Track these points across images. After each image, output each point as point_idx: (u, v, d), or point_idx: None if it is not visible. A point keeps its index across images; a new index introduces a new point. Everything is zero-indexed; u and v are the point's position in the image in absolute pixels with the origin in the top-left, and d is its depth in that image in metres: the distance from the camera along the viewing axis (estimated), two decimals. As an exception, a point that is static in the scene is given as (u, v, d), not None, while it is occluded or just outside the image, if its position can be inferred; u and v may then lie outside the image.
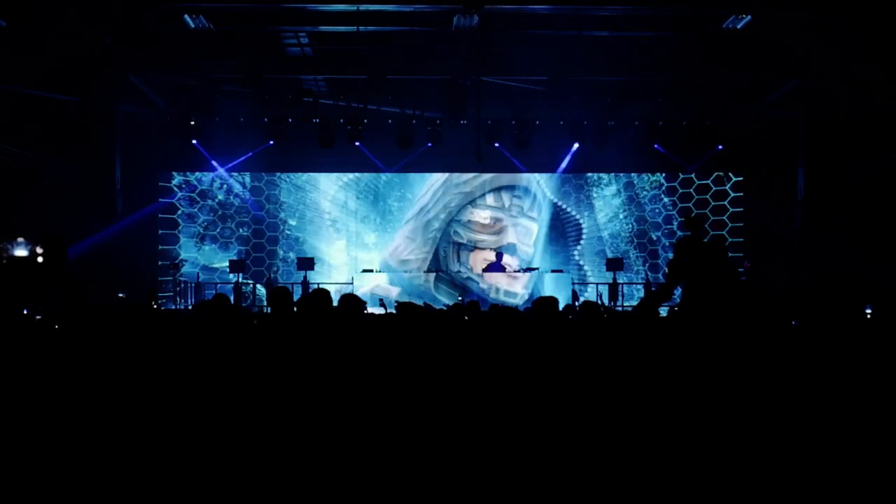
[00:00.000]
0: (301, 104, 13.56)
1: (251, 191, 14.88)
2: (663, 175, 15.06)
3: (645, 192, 15.17)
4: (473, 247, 15.03)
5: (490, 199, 15.13)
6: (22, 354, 3.38)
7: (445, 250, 15.01)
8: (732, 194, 14.95)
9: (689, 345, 3.31)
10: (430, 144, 13.86)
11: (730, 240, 14.78)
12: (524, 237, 15.12)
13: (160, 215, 14.56)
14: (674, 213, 15.08)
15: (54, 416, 2.76)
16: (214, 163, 14.38)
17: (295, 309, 3.87)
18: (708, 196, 14.99)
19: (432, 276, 13.32)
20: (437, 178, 15.11)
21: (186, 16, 10.67)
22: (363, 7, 10.42)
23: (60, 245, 6.44)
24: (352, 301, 4.00)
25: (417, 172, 14.96)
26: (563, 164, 14.68)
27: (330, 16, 10.89)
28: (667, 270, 5.09)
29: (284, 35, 11.64)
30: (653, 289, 13.90)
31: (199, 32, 11.15)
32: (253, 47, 11.92)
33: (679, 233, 15.03)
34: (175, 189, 14.62)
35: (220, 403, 2.88)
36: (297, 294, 13.71)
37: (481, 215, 15.06)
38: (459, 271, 14.60)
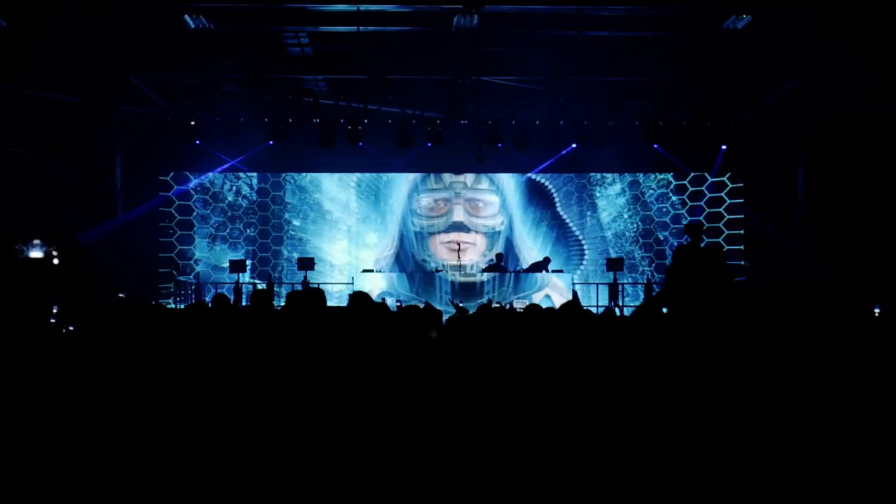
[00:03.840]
0: (301, 104, 13.56)
1: (257, 192, 14.95)
2: (671, 174, 15.05)
3: (651, 192, 15.15)
4: (428, 233, 15.07)
5: (431, 181, 15.14)
6: (38, 354, 3.39)
7: (411, 242, 15.09)
8: (730, 196, 14.94)
9: (684, 347, 3.31)
10: (430, 144, 13.86)
11: (730, 244, 14.77)
12: (481, 211, 15.10)
13: (178, 217, 14.65)
14: (682, 212, 15.08)
15: (67, 416, 2.77)
16: (223, 158, 14.40)
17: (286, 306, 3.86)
18: (723, 194, 14.94)
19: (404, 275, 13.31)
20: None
21: (187, 16, 10.67)
22: (363, 7, 10.43)
23: (76, 246, 6.45)
24: (362, 299, 3.94)
25: (417, 172, 14.96)
26: (556, 164, 14.69)
27: (330, 16, 10.90)
28: (666, 276, 5.08)
29: (284, 35, 11.65)
30: (654, 288, 13.90)
31: (200, 32, 11.16)
32: (253, 47, 11.93)
33: (672, 212, 15.03)
34: (192, 192, 14.72)
35: (223, 403, 2.89)
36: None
37: (423, 200, 15.08)
38: (425, 260, 14.72)
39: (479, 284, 12.91)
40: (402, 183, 15.13)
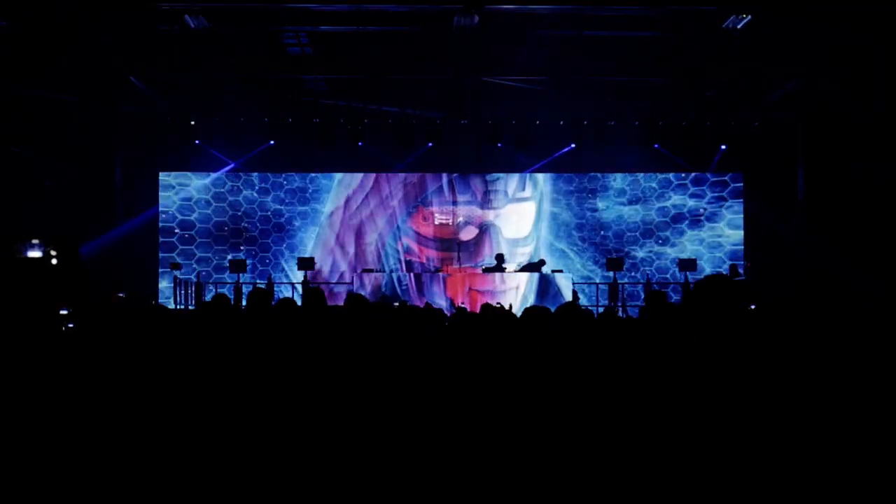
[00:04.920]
0: (301, 104, 13.56)
1: (258, 192, 14.94)
2: (672, 174, 15.06)
3: (652, 191, 15.15)
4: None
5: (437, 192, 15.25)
6: (32, 351, 3.39)
7: (421, 242, 15.18)
8: (731, 196, 14.98)
9: (684, 348, 3.31)
10: (430, 144, 13.86)
11: (732, 243, 14.78)
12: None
13: (179, 217, 14.66)
14: (683, 211, 15.09)
15: (65, 414, 2.77)
16: (223, 158, 14.42)
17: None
18: (724, 193, 14.98)
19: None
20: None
21: (186, 16, 10.68)
22: (363, 7, 10.43)
23: (74, 246, 6.45)
24: (357, 301, 3.93)
25: (418, 172, 14.97)
26: (557, 164, 14.71)
27: (330, 16, 10.90)
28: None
29: (284, 35, 11.65)
30: (654, 288, 13.90)
31: (199, 32, 11.16)
32: (253, 47, 11.93)
33: (687, 231, 15.04)
34: (192, 191, 14.73)
35: (221, 402, 2.89)
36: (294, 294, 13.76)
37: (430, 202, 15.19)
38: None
39: None
40: (408, 184, 15.13)
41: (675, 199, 15.11)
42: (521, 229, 15.21)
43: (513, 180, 15.09)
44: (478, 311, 6.24)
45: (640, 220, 15.11)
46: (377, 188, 15.17)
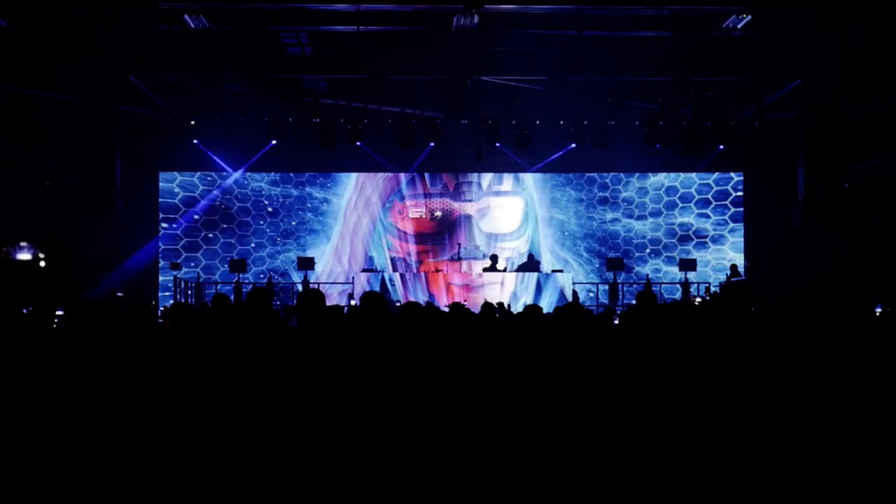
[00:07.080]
0: (301, 104, 13.56)
1: (258, 191, 14.90)
2: (666, 175, 15.05)
3: (649, 192, 15.15)
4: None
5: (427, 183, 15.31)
6: (23, 354, 3.38)
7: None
8: (734, 194, 14.99)
9: (682, 348, 3.31)
10: (431, 144, 13.86)
11: (732, 244, 14.75)
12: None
13: (179, 217, 14.66)
14: (679, 212, 15.09)
15: (56, 416, 2.77)
16: (219, 162, 14.42)
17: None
18: (709, 196, 15.02)
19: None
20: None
21: (186, 16, 10.68)
22: (363, 7, 10.43)
23: (64, 248, 6.40)
24: (375, 299, 3.91)
25: (417, 172, 14.97)
26: (557, 164, 14.69)
27: (330, 16, 10.90)
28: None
29: (284, 35, 11.65)
30: (653, 289, 13.89)
31: (199, 32, 11.16)
32: (253, 47, 11.92)
33: (680, 232, 15.07)
34: (191, 192, 14.72)
35: (221, 402, 2.88)
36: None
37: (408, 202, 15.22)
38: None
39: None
40: (385, 179, 15.12)
41: (676, 199, 15.09)
42: (505, 224, 15.18)
43: (487, 173, 15.09)
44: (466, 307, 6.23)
45: (648, 236, 15.07)
46: (363, 187, 15.17)
